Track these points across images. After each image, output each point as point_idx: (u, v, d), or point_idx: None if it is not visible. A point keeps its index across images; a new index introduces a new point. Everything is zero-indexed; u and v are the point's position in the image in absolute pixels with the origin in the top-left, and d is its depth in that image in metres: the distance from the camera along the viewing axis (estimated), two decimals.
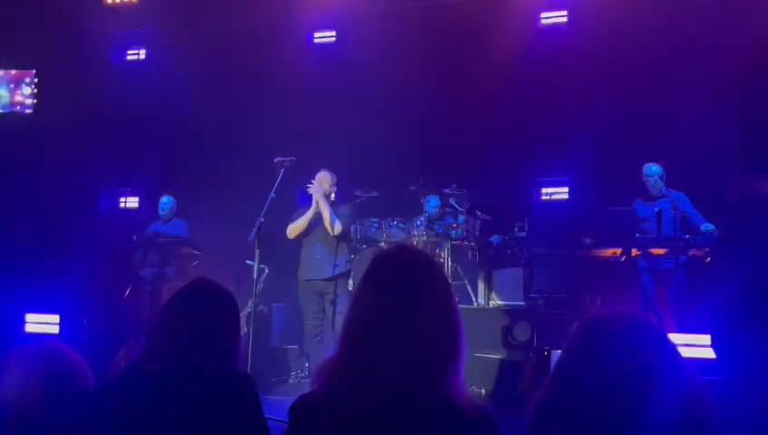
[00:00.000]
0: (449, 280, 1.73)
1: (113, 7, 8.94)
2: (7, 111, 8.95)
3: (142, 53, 9.30)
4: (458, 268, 7.50)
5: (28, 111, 9.00)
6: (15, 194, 8.46)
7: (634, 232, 6.16)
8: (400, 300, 1.63)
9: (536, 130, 7.88)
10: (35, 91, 8.91)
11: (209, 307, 2.06)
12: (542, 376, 1.58)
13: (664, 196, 6.33)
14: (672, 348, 1.54)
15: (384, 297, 1.64)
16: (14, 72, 9.05)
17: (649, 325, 1.55)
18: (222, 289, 2.16)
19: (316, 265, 5.96)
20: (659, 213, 6.15)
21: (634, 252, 6.15)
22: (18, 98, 9.00)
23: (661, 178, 6.38)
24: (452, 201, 7.77)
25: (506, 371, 5.43)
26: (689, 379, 1.49)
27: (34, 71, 8.90)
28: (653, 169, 6.42)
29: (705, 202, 6.37)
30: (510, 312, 6.51)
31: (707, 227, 6.02)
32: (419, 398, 1.56)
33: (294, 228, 6.03)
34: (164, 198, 7.79)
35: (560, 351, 1.62)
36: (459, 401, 1.59)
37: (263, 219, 5.33)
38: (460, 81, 8.28)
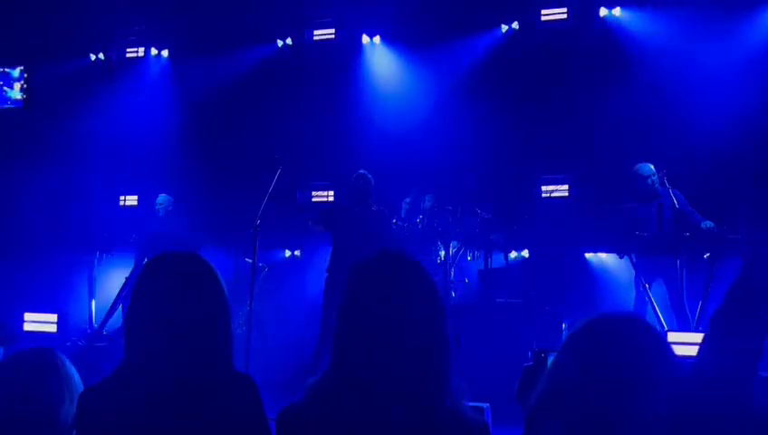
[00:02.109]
0: (434, 281, 1.71)
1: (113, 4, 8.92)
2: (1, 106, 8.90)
3: (141, 51, 9.29)
4: (457, 266, 7.47)
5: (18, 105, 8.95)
6: (15, 193, 8.45)
7: (634, 231, 6.13)
8: (387, 308, 1.61)
9: (537, 127, 7.85)
10: (25, 86, 8.85)
11: (188, 288, 1.82)
12: (538, 378, 1.58)
13: (660, 194, 6.29)
14: (667, 349, 1.53)
15: (370, 307, 1.62)
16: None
17: (645, 327, 1.55)
18: (194, 259, 1.91)
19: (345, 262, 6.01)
20: (660, 207, 6.09)
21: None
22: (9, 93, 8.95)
23: (655, 176, 6.33)
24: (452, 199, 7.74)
25: (505, 369, 5.41)
26: (682, 380, 1.48)
27: (23, 66, 8.82)
28: (648, 168, 6.35)
29: (706, 202, 6.35)
30: (510, 310, 6.49)
31: (707, 224, 6.00)
32: (411, 405, 1.56)
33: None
34: (160, 197, 7.77)
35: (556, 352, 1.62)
36: (451, 405, 1.59)
37: (260, 218, 5.32)
38: (460, 79, 8.27)
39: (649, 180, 6.32)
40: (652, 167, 6.36)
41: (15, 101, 8.86)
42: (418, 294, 1.64)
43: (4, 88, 8.82)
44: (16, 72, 8.91)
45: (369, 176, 6.20)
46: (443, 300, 1.70)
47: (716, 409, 1.38)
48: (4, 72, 8.82)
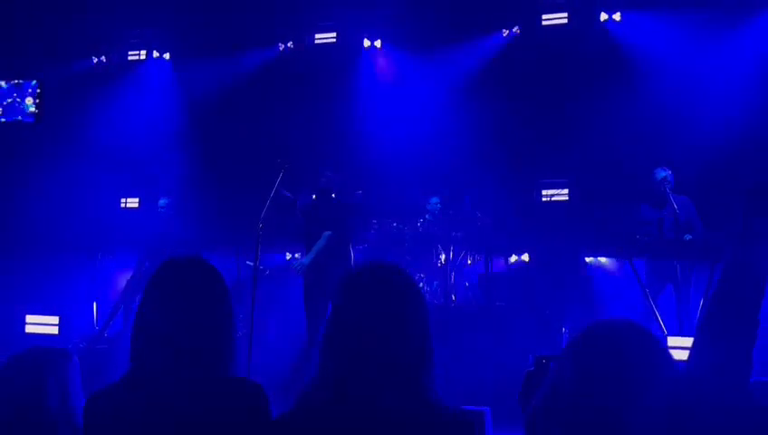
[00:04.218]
0: (420, 290, 1.77)
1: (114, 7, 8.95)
2: (11, 119, 8.91)
3: (143, 54, 9.31)
4: (458, 270, 7.49)
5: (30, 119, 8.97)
6: (15, 194, 8.47)
7: (634, 235, 6.14)
8: (374, 317, 1.65)
9: (538, 131, 7.87)
10: (38, 101, 8.87)
11: (195, 294, 1.85)
12: (539, 384, 1.60)
13: (670, 201, 6.30)
14: (665, 355, 1.55)
15: (357, 317, 1.66)
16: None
17: (643, 333, 1.57)
18: (204, 265, 1.94)
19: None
20: (661, 221, 6.12)
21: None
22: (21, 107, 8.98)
23: (669, 182, 6.34)
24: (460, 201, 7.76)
25: (506, 373, 5.43)
26: (681, 383, 1.50)
27: (35, 81, 8.85)
28: (663, 174, 6.38)
29: (706, 205, 6.37)
30: (510, 314, 6.50)
31: (688, 237, 6.02)
32: (401, 410, 1.60)
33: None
34: (162, 200, 7.79)
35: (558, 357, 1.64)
36: (436, 404, 1.64)
37: (263, 222, 5.34)
38: (461, 83, 8.29)
39: (661, 186, 6.34)
40: (665, 173, 6.36)
41: (27, 114, 8.88)
42: (402, 305, 1.68)
43: (17, 99, 8.85)
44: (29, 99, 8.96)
45: (329, 173, 6.29)
46: (427, 308, 1.74)
47: (711, 413, 1.39)
48: (17, 83, 8.83)
